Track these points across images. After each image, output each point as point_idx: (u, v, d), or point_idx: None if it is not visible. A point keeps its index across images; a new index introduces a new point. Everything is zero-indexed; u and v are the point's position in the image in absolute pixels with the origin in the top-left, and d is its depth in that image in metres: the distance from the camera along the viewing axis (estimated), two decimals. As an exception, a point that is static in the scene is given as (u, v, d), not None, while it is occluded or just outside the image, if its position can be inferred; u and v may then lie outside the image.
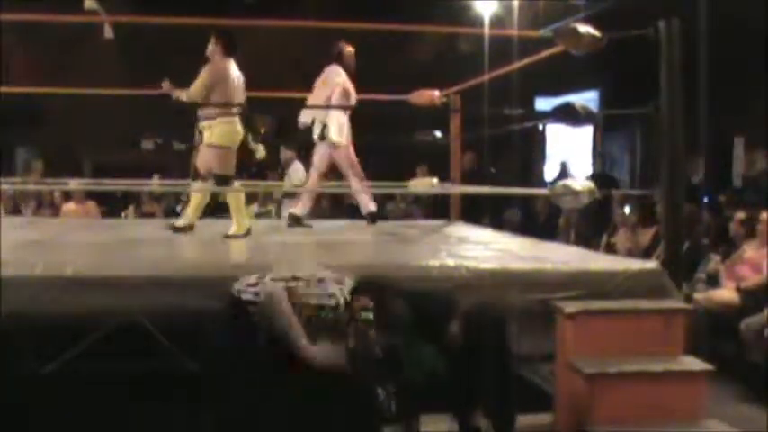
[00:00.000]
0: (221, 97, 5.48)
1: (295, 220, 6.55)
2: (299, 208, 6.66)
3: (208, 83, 5.46)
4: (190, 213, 5.84)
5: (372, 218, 6.69)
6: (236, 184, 5.80)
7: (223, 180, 5.61)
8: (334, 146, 6.35)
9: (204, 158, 5.65)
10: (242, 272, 3.77)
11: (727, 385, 5.31)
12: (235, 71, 5.60)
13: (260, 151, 6.42)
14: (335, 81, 6.36)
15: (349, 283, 3.47)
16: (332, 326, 3.42)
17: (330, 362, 3.31)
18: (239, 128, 5.63)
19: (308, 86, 6.47)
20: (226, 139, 5.55)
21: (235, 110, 5.55)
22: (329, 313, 3.36)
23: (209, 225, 6.18)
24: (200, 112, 5.64)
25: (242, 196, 5.69)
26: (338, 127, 6.31)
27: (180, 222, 5.83)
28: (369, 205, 6.71)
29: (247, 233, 5.57)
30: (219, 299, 3.67)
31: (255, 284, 3.52)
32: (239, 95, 5.61)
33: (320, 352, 3.32)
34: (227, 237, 5.49)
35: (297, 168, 9.24)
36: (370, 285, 3.45)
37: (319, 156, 6.53)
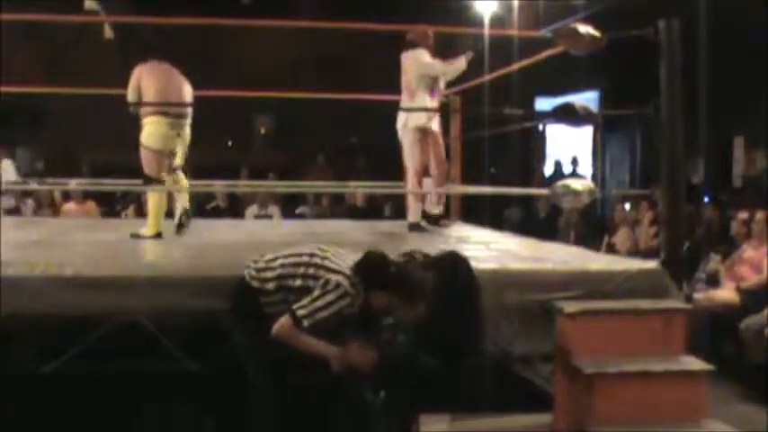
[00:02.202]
0: (146, 97, 5.49)
1: (417, 227, 6.20)
2: (412, 214, 6.28)
3: (131, 85, 5.55)
4: (152, 221, 5.59)
5: (411, 228, 6.23)
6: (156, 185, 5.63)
7: (148, 180, 5.58)
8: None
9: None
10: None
11: (727, 385, 5.31)
12: (162, 72, 5.55)
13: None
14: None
15: (349, 262, 3.40)
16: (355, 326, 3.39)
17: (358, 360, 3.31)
18: (168, 130, 5.52)
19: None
20: (150, 140, 5.50)
21: (163, 110, 5.47)
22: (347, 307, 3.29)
23: (198, 225, 6.18)
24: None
25: (163, 199, 5.59)
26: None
27: (143, 231, 5.58)
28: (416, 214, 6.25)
29: (157, 236, 5.48)
30: (220, 298, 3.68)
31: (266, 269, 3.44)
32: (168, 97, 5.51)
33: (350, 350, 3.31)
34: (134, 235, 5.50)
35: (6, 166, 9.13)
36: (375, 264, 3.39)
37: None
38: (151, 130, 5.50)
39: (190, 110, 5.68)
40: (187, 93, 5.70)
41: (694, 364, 3.79)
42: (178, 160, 5.68)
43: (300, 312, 3.24)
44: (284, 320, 3.25)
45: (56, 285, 3.71)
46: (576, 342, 3.75)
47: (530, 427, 3.99)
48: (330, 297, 3.26)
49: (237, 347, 3.45)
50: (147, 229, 5.53)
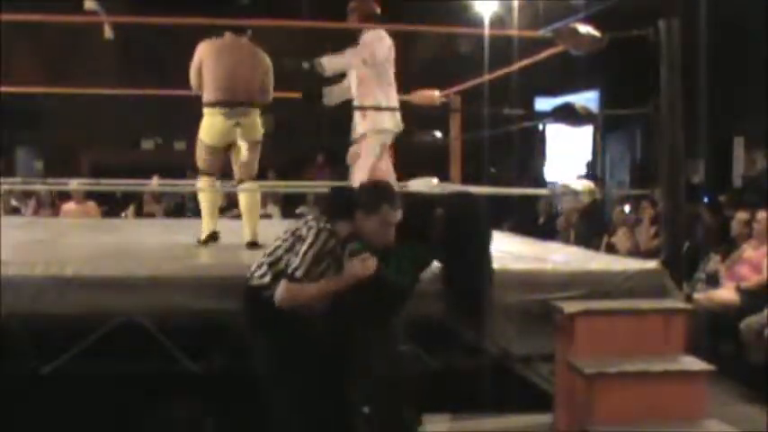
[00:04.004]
0: (204, 83, 4.91)
1: None
2: None
3: (192, 66, 4.98)
4: (203, 223, 5.07)
5: None
6: (208, 181, 5.07)
7: (196, 172, 5.11)
8: None
9: None
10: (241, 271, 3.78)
11: (727, 385, 5.31)
12: (226, 52, 4.92)
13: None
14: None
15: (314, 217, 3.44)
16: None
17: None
18: (222, 122, 4.88)
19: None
20: (202, 132, 4.99)
21: (215, 99, 4.85)
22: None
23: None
24: None
25: (215, 197, 5.07)
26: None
27: (201, 237, 5.04)
28: None
29: (210, 239, 4.94)
30: (220, 298, 3.68)
31: (260, 266, 3.41)
32: (229, 82, 4.85)
33: (351, 267, 3.33)
34: (199, 242, 4.99)
35: None
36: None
37: None
38: (204, 123, 4.95)
39: (264, 95, 5.01)
40: (258, 76, 4.95)
41: (694, 364, 3.79)
42: (243, 155, 4.90)
43: (290, 269, 3.28)
44: (281, 285, 3.29)
45: (56, 285, 3.72)
46: (576, 342, 3.76)
47: (530, 427, 4.00)
48: (309, 240, 3.30)
49: (259, 354, 3.40)
50: (202, 233, 5.01)
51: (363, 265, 3.31)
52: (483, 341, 3.88)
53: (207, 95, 4.90)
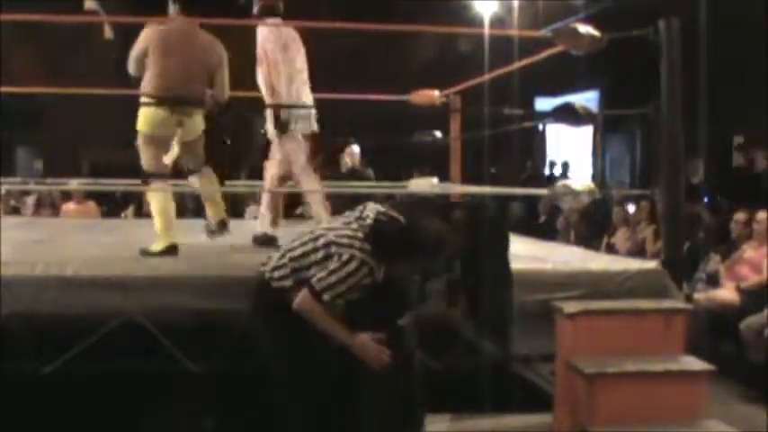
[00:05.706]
0: (148, 72, 4.52)
1: None
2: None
3: (134, 51, 4.59)
4: (159, 231, 4.49)
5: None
6: (159, 183, 4.65)
7: (145, 175, 4.64)
8: None
9: None
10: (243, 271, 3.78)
11: (727, 385, 5.32)
12: (176, 38, 4.54)
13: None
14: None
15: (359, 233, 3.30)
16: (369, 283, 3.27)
17: (375, 351, 3.22)
18: (163, 113, 4.52)
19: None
20: (140, 123, 4.60)
21: (156, 96, 4.48)
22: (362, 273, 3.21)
23: (198, 225, 6.15)
24: None
25: (167, 200, 4.55)
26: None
27: (153, 246, 4.46)
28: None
29: (169, 250, 4.40)
30: (220, 298, 3.68)
31: (279, 266, 3.30)
32: (170, 79, 4.47)
33: (365, 344, 3.22)
34: (144, 252, 4.42)
35: None
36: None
37: None
38: (143, 113, 4.57)
39: (217, 91, 4.61)
40: (208, 70, 4.57)
41: (694, 364, 3.79)
42: (173, 153, 4.50)
43: (319, 285, 3.17)
44: (304, 294, 3.18)
45: (56, 285, 3.72)
46: (576, 342, 3.76)
47: (530, 427, 4.00)
48: (349, 268, 3.19)
49: (264, 350, 3.36)
50: (156, 243, 4.45)
51: (376, 356, 3.22)
52: (503, 349, 3.89)
53: (150, 87, 4.50)
